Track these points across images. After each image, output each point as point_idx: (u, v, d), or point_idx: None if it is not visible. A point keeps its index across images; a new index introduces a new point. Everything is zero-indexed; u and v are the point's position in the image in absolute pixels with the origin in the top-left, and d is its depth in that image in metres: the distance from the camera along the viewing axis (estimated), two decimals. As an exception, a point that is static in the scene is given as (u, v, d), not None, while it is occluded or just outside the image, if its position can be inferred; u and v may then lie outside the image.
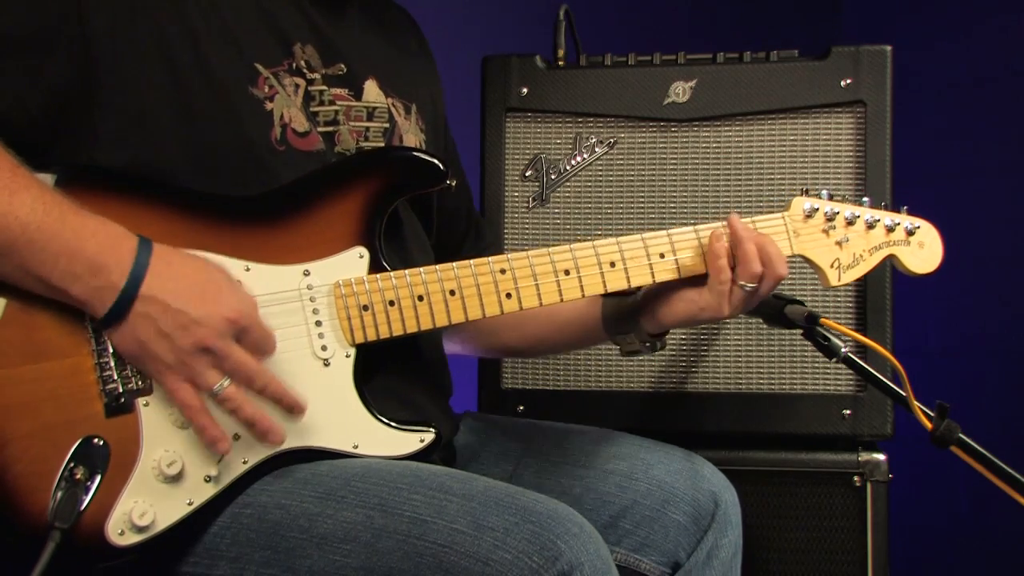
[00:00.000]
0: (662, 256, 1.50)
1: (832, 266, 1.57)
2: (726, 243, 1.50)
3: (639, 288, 1.56)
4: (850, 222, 1.57)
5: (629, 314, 1.62)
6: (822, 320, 1.55)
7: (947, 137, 2.99)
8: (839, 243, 1.57)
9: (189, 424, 1.30)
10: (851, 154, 1.94)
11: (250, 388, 1.30)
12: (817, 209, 1.56)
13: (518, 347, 1.82)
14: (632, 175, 1.99)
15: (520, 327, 1.75)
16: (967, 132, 2.97)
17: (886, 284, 1.91)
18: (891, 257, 1.60)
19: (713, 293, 1.50)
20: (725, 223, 1.51)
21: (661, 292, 1.55)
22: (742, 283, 1.48)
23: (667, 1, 3.41)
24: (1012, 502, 1.43)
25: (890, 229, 1.59)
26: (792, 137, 1.95)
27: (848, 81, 1.93)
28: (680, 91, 1.97)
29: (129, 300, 1.25)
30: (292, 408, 1.34)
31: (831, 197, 1.58)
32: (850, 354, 1.55)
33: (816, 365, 1.94)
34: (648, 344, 1.62)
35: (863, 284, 1.92)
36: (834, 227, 1.57)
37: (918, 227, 1.60)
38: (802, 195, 1.57)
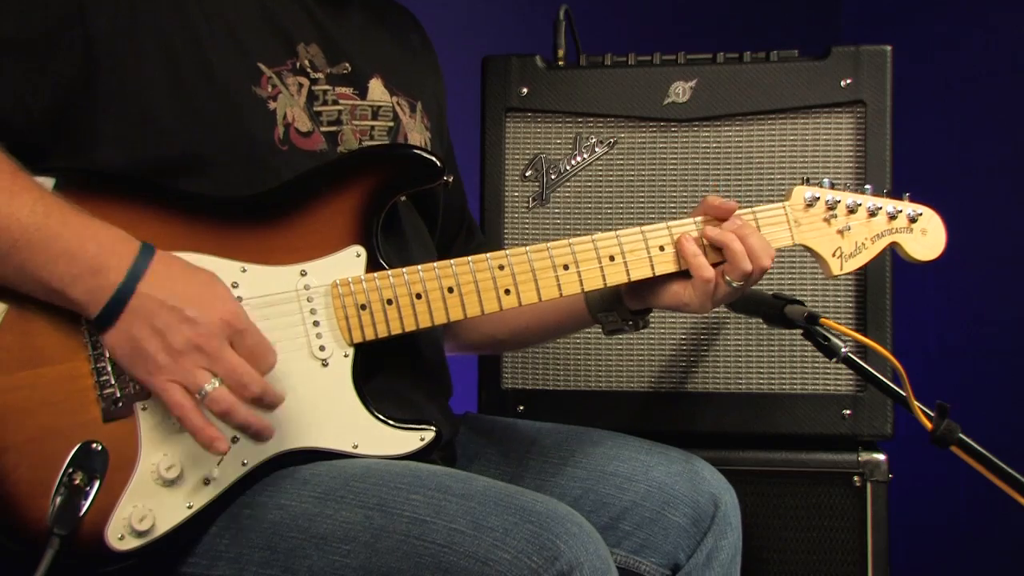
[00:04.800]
0: (662, 248, 1.50)
1: (834, 255, 1.56)
2: (697, 240, 1.49)
3: None
4: (852, 210, 1.57)
5: (612, 292, 1.61)
6: (822, 320, 1.55)
7: (947, 137, 2.99)
8: (841, 232, 1.56)
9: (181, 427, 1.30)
10: (851, 154, 1.94)
11: (243, 394, 1.26)
12: (818, 198, 1.56)
13: (501, 338, 1.80)
14: (632, 175, 1.99)
15: (502, 318, 1.71)
16: (967, 132, 2.96)
17: (886, 284, 1.91)
18: (894, 245, 1.60)
19: (698, 292, 1.49)
20: (696, 220, 1.50)
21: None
22: (729, 280, 1.47)
23: (667, 1, 3.41)
24: (1012, 502, 1.43)
25: (892, 216, 1.59)
26: (792, 137, 1.95)
27: (848, 81, 1.93)
28: (680, 91, 1.97)
29: (125, 296, 1.24)
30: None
31: (832, 186, 1.57)
32: (850, 354, 1.55)
33: (816, 365, 1.94)
34: (631, 323, 1.61)
35: (863, 284, 1.92)
36: (836, 215, 1.56)
37: (920, 214, 1.60)
38: (803, 184, 1.57)
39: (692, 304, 1.51)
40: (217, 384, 1.24)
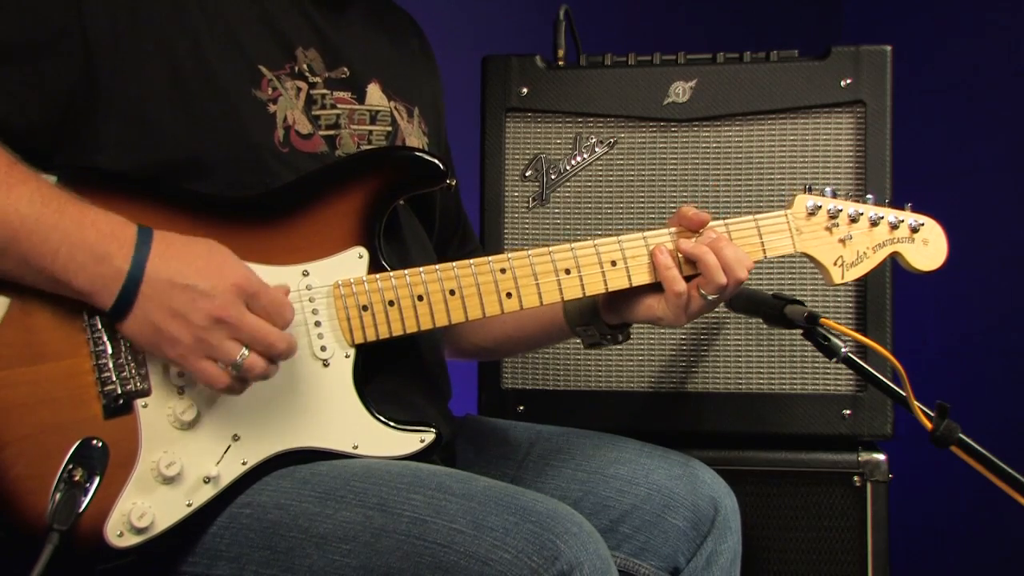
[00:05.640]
0: None
1: (835, 264, 1.57)
2: (671, 252, 1.47)
3: None
4: (853, 219, 1.57)
5: (590, 306, 1.61)
6: (822, 320, 1.55)
7: (947, 137, 2.99)
8: (842, 241, 1.56)
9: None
10: (851, 154, 1.94)
11: (272, 353, 1.29)
12: (820, 206, 1.56)
13: (485, 347, 1.80)
14: (632, 175, 1.99)
15: (485, 327, 1.75)
16: (967, 132, 2.97)
17: (886, 284, 1.91)
18: (895, 254, 1.60)
19: (670, 305, 1.48)
20: (671, 230, 1.49)
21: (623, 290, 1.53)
22: (704, 293, 1.46)
23: (667, 1, 3.41)
24: (1012, 502, 1.43)
25: (894, 226, 1.59)
26: (792, 137, 1.95)
27: (848, 81, 1.93)
28: (680, 91, 1.97)
29: (135, 284, 1.25)
30: None
31: (834, 194, 1.57)
32: (850, 354, 1.55)
33: (816, 365, 1.93)
34: (609, 336, 1.61)
35: (863, 284, 1.92)
36: (837, 224, 1.56)
37: (922, 224, 1.60)
38: (805, 192, 1.57)
39: (666, 318, 1.50)
40: (247, 352, 1.27)
